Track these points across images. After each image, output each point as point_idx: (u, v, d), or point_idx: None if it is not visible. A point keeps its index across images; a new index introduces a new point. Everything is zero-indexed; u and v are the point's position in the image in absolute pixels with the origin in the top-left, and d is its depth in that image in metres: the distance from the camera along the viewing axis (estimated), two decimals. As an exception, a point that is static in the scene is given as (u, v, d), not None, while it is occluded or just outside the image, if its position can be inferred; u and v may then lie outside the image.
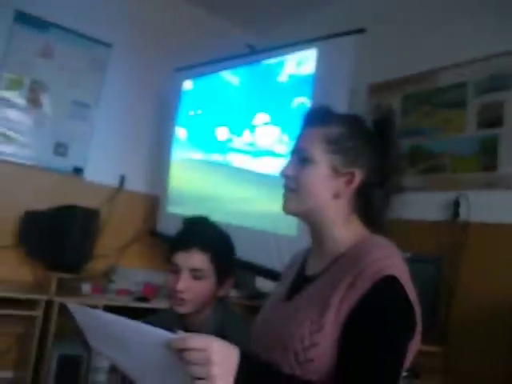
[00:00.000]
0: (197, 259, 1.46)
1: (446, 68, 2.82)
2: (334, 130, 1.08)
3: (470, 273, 2.46)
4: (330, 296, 0.98)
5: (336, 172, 1.07)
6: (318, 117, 1.12)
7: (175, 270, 1.48)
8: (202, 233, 1.52)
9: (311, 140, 1.09)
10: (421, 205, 2.75)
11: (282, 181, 1.13)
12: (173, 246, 1.51)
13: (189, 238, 1.50)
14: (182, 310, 1.46)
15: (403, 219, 2.70)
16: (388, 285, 0.94)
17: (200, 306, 1.48)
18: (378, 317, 0.93)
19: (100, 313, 1.05)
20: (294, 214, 1.13)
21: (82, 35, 3.62)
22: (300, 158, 1.09)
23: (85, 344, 2.95)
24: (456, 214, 2.58)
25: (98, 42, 3.70)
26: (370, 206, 1.10)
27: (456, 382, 2.29)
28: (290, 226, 2.54)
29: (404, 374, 2.13)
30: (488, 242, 2.44)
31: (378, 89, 3.20)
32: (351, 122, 1.11)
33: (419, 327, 1.00)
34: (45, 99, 3.51)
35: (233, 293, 3.37)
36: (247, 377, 0.87)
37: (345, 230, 1.08)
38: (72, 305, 1.09)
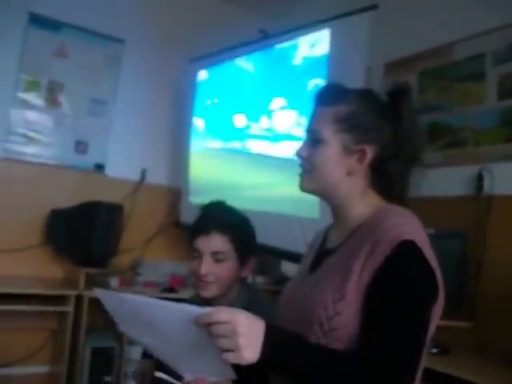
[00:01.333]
0: (217, 242, 1.48)
1: (462, 40, 2.76)
2: (343, 109, 1.09)
3: (496, 246, 2.42)
4: (350, 265, 0.99)
5: (347, 150, 1.09)
6: (327, 95, 1.14)
7: (197, 256, 1.50)
8: (219, 216, 1.54)
9: (321, 120, 1.12)
10: (443, 181, 2.72)
11: (299, 161, 1.16)
12: (193, 233, 1.54)
13: (207, 222, 1.53)
14: (208, 293, 1.48)
15: (427, 196, 2.68)
16: (406, 250, 0.95)
17: (225, 289, 1.50)
18: (398, 282, 0.94)
19: (126, 295, 1.07)
20: (310, 192, 1.16)
21: (94, 33, 3.64)
22: (312, 139, 1.13)
23: (116, 335, 3.00)
24: (480, 187, 2.54)
25: (110, 38, 3.72)
26: (386, 180, 1.11)
27: (486, 356, 2.27)
28: (312, 208, 2.54)
29: (434, 350, 2.13)
30: (513, 213, 2.40)
31: (393, 66, 3.16)
32: (361, 97, 1.12)
33: (442, 292, 1.01)
34: (63, 98, 3.55)
35: (259, 278, 3.40)
36: (274, 346, 0.90)
37: (362, 204, 1.10)
38: (98, 290, 1.12)
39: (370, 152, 1.08)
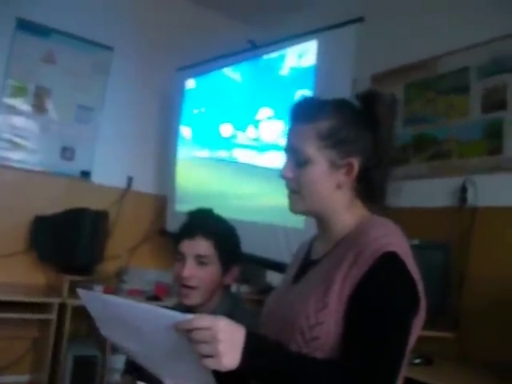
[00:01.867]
0: (200, 246, 1.50)
1: (448, 54, 2.80)
2: (324, 125, 1.07)
3: (479, 257, 2.45)
4: (333, 275, 0.99)
5: (334, 165, 1.07)
6: (304, 112, 1.11)
7: (181, 259, 1.52)
8: (204, 221, 1.56)
9: (303, 139, 1.08)
10: (428, 192, 2.76)
11: (284, 182, 1.14)
12: (178, 237, 1.56)
13: (192, 226, 1.55)
14: (190, 301, 1.49)
15: (411, 207, 2.71)
16: (389, 261, 0.96)
17: (207, 295, 1.50)
18: (380, 293, 0.94)
19: (108, 297, 1.07)
20: (302, 214, 1.16)
21: (83, 39, 3.64)
22: (296, 158, 1.09)
23: (99, 344, 2.97)
24: (463, 199, 2.56)
25: (99, 45, 3.72)
26: (370, 188, 1.11)
27: (469, 366, 2.28)
28: (297, 218, 2.52)
29: (417, 360, 2.14)
30: (496, 225, 2.42)
31: (380, 78, 3.19)
32: (339, 110, 1.09)
33: (423, 304, 1.01)
34: (50, 105, 3.53)
35: (244, 288, 3.39)
36: (254, 353, 0.90)
37: (349, 214, 1.10)
38: (81, 290, 1.11)
39: (357, 164, 1.07)
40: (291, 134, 1.13)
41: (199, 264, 1.49)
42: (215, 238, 1.51)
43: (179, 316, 0.90)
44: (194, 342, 0.87)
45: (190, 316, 0.89)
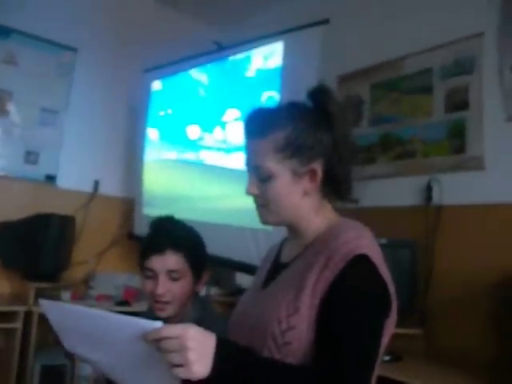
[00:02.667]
0: (172, 260, 1.45)
1: (412, 55, 2.84)
2: (280, 135, 1.06)
3: (445, 254, 2.49)
4: (304, 279, 0.99)
5: (297, 175, 1.07)
6: (258, 126, 1.09)
7: (151, 275, 1.46)
8: (172, 233, 1.49)
9: (262, 155, 1.07)
10: (394, 191, 2.80)
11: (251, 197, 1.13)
12: (145, 251, 1.49)
13: (160, 240, 1.48)
14: (165, 314, 1.45)
15: (378, 206, 2.74)
16: (360, 264, 0.96)
17: (181, 306, 1.47)
18: (351, 296, 0.95)
19: (73, 306, 1.04)
20: (273, 225, 1.15)
21: (45, 40, 3.56)
22: (258, 175, 1.09)
23: (68, 352, 2.90)
24: (429, 197, 2.61)
25: (63, 46, 3.64)
26: (336, 185, 1.11)
27: (437, 362, 2.32)
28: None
29: (386, 357, 2.17)
30: (461, 223, 2.47)
31: (346, 79, 3.22)
32: (292, 116, 1.08)
33: (394, 304, 1.02)
34: (12, 107, 3.44)
35: (214, 290, 3.37)
36: (225, 360, 0.88)
37: (319, 218, 1.10)
38: (44, 301, 1.07)
39: (319, 168, 1.07)
40: (249, 151, 1.12)
41: (171, 279, 1.44)
42: (185, 251, 1.46)
43: (147, 324, 0.88)
44: (163, 351, 0.85)
45: (158, 324, 0.87)
